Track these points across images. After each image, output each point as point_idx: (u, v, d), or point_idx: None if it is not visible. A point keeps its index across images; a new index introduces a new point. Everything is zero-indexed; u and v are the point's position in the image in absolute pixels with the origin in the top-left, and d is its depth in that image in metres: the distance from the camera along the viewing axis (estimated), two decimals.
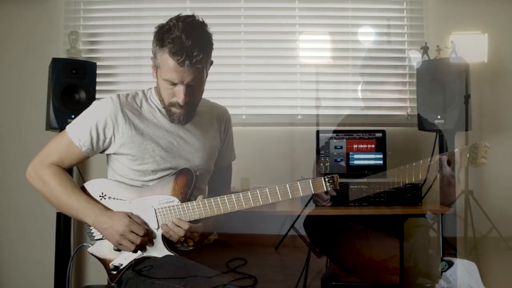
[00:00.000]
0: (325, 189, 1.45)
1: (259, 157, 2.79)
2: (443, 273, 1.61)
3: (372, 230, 1.84)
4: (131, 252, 1.49)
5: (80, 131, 1.51)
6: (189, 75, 1.45)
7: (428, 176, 1.82)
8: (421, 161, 1.71)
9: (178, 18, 1.47)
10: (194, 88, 1.50)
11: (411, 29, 2.97)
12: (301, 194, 1.46)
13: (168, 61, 1.44)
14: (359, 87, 2.93)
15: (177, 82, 1.46)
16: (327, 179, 1.45)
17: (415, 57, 2.70)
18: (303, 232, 2.02)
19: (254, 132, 2.87)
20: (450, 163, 1.60)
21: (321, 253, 2.01)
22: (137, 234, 1.44)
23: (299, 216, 1.89)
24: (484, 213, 2.58)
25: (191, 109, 1.54)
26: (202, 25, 1.49)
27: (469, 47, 2.58)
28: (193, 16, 1.49)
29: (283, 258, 1.95)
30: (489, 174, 2.75)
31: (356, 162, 2.46)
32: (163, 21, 1.49)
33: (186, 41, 1.42)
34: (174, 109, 1.52)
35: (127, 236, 1.44)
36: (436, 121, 2.42)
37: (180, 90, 1.47)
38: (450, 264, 1.62)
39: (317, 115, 2.85)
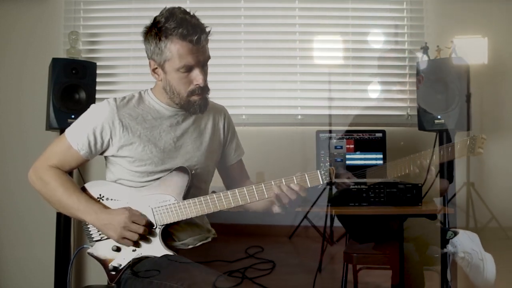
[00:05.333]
0: (321, 182, 1.45)
1: (259, 157, 2.79)
2: (450, 240, 1.79)
3: None
4: (130, 252, 1.49)
5: (78, 135, 1.51)
6: (203, 53, 1.48)
7: (428, 177, 1.97)
8: (422, 152, 1.89)
9: (167, 9, 1.47)
10: (206, 69, 1.52)
11: (411, 29, 2.97)
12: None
13: (180, 45, 1.43)
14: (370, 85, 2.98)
15: (194, 64, 1.46)
16: (322, 172, 1.45)
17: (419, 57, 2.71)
18: (316, 222, 2.17)
19: (254, 132, 2.87)
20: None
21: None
22: (138, 224, 1.44)
23: (312, 206, 1.92)
24: (484, 204, 2.71)
25: (207, 93, 1.55)
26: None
27: (470, 49, 2.62)
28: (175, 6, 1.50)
29: (297, 246, 2.12)
30: (489, 168, 2.86)
31: (356, 162, 2.45)
32: None
33: (192, 19, 1.44)
34: (194, 97, 1.52)
35: (129, 227, 1.44)
36: (436, 121, 2.41)
37: (197, 72, 1.48)
38: (456, 234, 1.83)
39: (330, 115, 2.91)
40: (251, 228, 1.84)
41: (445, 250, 1.74)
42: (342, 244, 2.22)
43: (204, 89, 1.51)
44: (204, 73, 1.50)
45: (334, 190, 1.85)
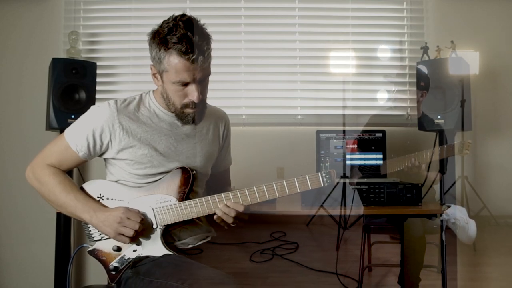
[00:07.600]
0: (322, 184, 1.45)
1: (259, 157, 2.80)
2: (445, 211, 2.23)
3: None
4: (130, 252, 1.49)
5: (77, 136, 1.51)
6: (200, 71, 1.45)
7: (429, 176, 2.23)
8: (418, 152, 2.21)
9: (174, 18, 1.45)
10: (204, 84, 1.51)
11: (411, 29, 2.98)
12: (298, 190, 1.46)
13: (178, 61, 1.42)
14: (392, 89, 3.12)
15: (189, 80, 1.45)
16: (324, 174, 1.45)
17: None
18: (331, 212, 2.31)
19: (254, 132, 2.87)
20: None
21: None
22: (134, 221, 1.44)
23: (328, 196, 2.02)
24: (477, 195, 3.04)
25: (203, 107, 1.54)
26: (196, 21, 1.47)
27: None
28: (185, 15, 1.47)
29: (314, 232, 2.43)
30: (481, 163, 3.19)
31: (356, 162, 2.45)
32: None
33: (194, 37, 1.42)
34: (187, 110, 1.51)
35: (125, 223, 1.43)
36: (436, 121, 2.41)
37: (193, 88, 1.46)
38: (449, 207, 2.28)
39: (330, 115, 2.99)
40: (272, 217, 2.03)
41: (441, 218, 2.20)
42: (353, 230, 2.50)
43: (198, 104, 1.50)
44: (202, 88, 1.48)
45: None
